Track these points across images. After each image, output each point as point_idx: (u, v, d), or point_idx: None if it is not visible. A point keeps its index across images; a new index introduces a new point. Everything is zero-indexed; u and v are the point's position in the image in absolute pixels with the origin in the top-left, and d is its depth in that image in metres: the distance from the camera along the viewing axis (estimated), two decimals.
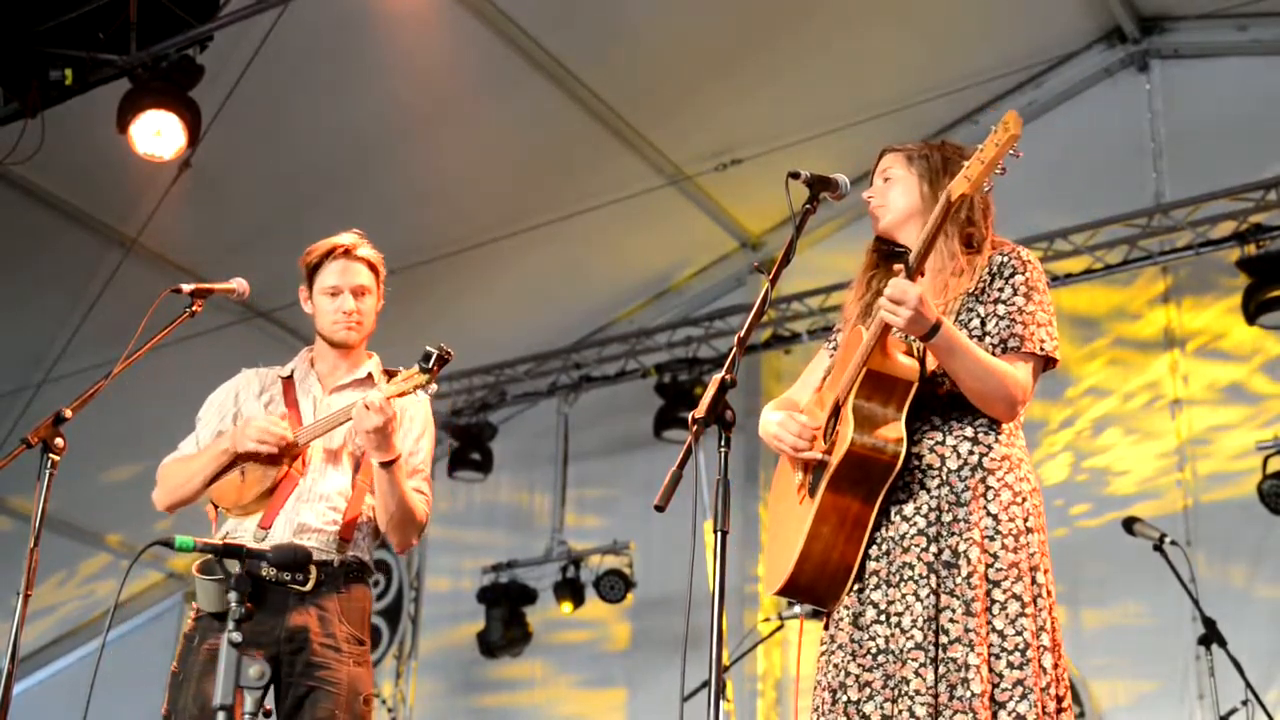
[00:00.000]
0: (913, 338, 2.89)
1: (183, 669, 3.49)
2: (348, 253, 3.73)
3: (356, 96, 7.19)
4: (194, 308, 3.63)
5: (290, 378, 3.80)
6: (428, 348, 3.39)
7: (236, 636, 2.69)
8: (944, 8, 7.53)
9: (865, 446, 2.85)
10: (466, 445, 9.34)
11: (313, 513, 3.57)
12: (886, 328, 2.82)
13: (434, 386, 3.46)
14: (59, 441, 3.24)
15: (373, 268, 3.76)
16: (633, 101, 7.73)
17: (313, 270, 3.75)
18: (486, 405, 9.47)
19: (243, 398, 3.78)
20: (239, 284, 3.70)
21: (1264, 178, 7.11)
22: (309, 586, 3.45)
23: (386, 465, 3.50)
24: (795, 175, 2.95)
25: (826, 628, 3.03)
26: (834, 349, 3.27)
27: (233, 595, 2.80)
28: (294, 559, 3.19)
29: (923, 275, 2.87)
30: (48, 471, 3.21)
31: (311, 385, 3.77)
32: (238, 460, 3.60)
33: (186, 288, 3.63)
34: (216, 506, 3.65)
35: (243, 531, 3.56)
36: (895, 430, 2.86)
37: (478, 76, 7.32)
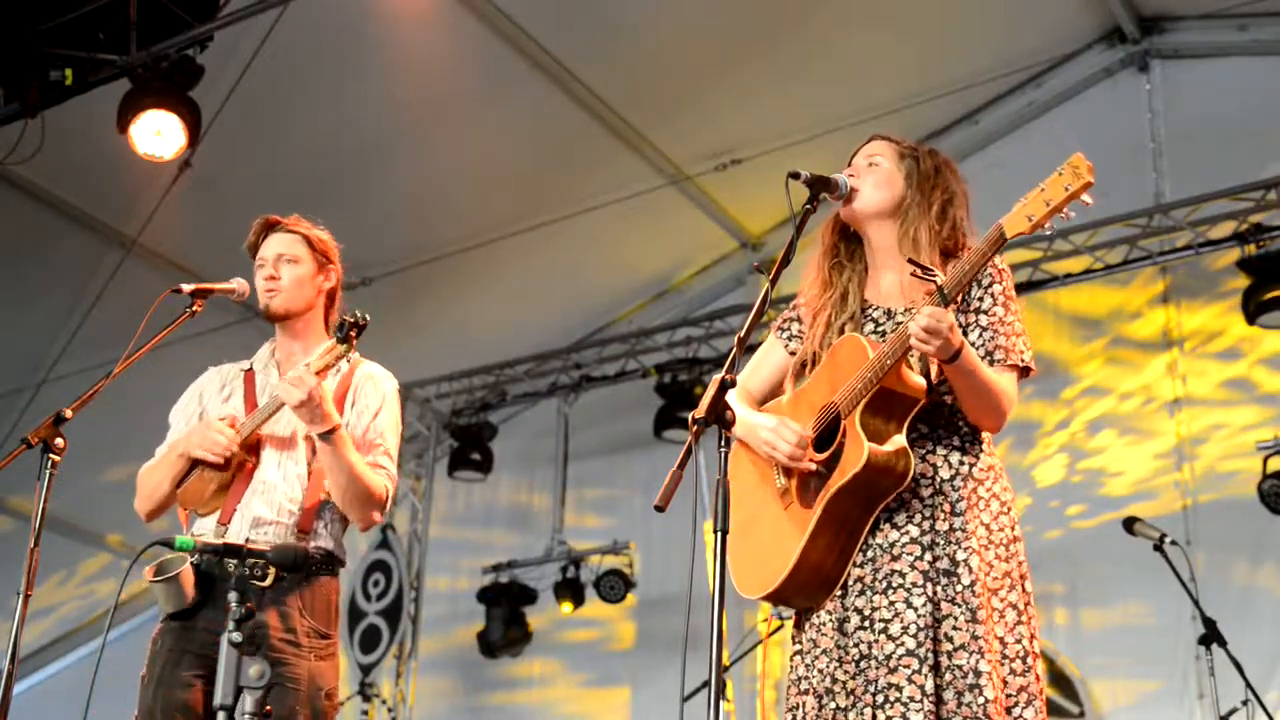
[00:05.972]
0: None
1: (149, 672, 3.43)
2: (276, 225, 3.71)
3: (357, 96, 7.19)
4: (194, 308, 3.61)
5: (251, 370, 3.75)
6: (343, 317, 3.35)
7: (237, 636, 2.68)
8: (943, 8, 7.52)
9: (879, 465, 2.82)
10: (466, 445, 9.35)
11: (267, 504, 3.48)
12: (908, 348, 2.78)
13: (355, 354, 3.41)
14: (59, 441, 3.23)
15: (306, 239, 3.69)
16: (633, 101, 7.73)
17: (253, 251, 3.72)
18: (486, 405, 9.48)
19: (207, 397, 3.73)
20: (239, 284, 3.68)
21: (1264, 178, 7.11)
22: (268, 582, 3.35)
23: (325, 437, 3.40)
24: (795, 175, 2.94)
25: (800, 627, 3.02)
26: (789, 338, 3.23)
27: (232, 595, 2.79)
28: (294, 559, 3.17)
29: (956, 304, 2.83)
30: (48, 471, 3.20)
31: (270, 374, 3.70)
32: (195, 462, 3.54)
33: (186, 288, 3.61)
34: (185, 508, 3.59)
35: (204, 530, 3.50)
36: (901, 445, 2.84)
37: (478, 76, 7.31)
